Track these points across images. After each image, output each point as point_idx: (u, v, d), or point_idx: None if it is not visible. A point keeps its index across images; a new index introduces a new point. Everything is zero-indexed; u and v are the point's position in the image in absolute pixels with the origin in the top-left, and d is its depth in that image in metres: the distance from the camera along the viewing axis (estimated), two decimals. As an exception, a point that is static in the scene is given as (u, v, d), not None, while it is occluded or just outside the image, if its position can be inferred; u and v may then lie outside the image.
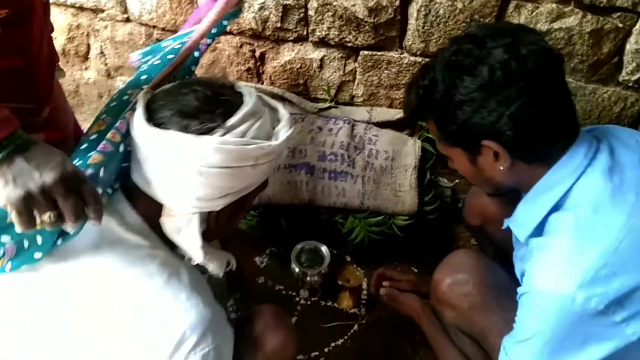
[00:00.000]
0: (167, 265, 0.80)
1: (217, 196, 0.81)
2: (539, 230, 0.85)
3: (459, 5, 1.42)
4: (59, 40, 1.81)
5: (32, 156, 0.70)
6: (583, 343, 0.77)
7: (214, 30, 1.01)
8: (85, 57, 1.89)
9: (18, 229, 0.70)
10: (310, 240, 1.46)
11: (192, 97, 0.80)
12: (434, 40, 1.49)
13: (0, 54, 0.86)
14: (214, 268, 0.86)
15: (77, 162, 0.80)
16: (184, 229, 0.82)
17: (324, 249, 1.44)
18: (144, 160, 0.81)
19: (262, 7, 1.54)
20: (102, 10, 1.73)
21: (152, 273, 0.78)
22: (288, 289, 1.48)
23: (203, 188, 0.79)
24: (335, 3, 1.49)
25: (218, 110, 0.79)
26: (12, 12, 0.85)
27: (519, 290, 0.85)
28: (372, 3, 1.46)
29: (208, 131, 0.77)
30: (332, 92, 1.68)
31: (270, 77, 1.71)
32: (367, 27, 1.52)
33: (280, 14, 1.55)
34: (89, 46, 1.86)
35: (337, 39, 1.57)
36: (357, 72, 1.64)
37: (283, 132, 0.85)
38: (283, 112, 0.90)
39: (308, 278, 1.41)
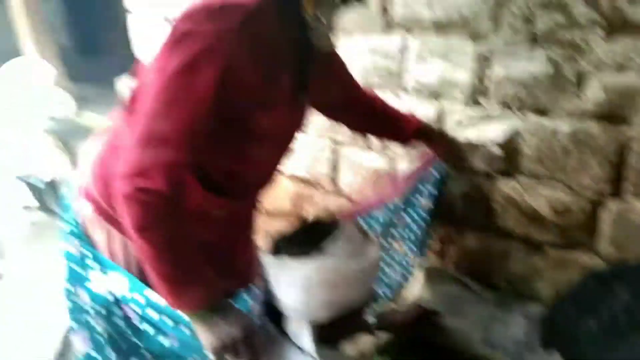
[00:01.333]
0: None
1: (320, 308, 1.01)
2: None
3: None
4: (286, 204, 2.21)
5: (226, 316, 1.02)
6: None
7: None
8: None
9: None
10: None
11: (298, 230, 1.09)
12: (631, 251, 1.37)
13: (210, 237, 1.16)
14: None
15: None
16: (299, 334, 1.05)
17: None
18: (271, 282, 1.07)
19: (449, 196, 1.66)
20: (320, 185, 2.08)
21: None
22: None
23: (308, 300, 1.01)
24: (519, 200, 1.52)
25: (315, 237, 1.02)
26: (227, 213, 1.18)
27: None
28: (558, 205, 1.45)
29: (307, 254, 1.00)
30: (516, 284, 1.63)
31: (454, 260, 1.76)
32: (553, 227, 1.49)
33: (466, 204, 1.64)
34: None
35: (521, 234, 1.57)
36: (543, 270, 1.58)
37: (371, 254, 1.05)
38: (373, 237, 1.10)
39: None
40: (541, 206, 1.49)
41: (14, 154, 3.25)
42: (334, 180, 2.02)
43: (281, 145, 1.22)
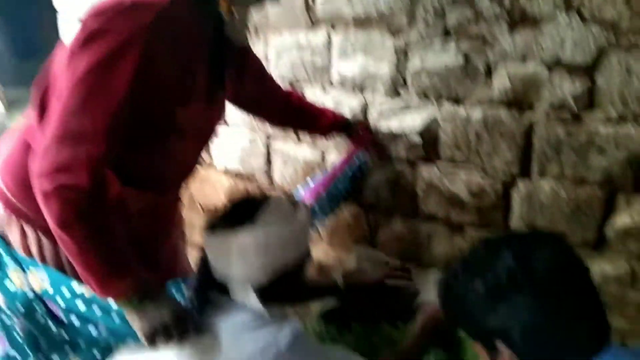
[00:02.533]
0: None
1: (260, 272, 1.10)
2: None
3: (563, 194, 1.42)
4: (221, 198, 2.23)
5: (156, 301, 1.05)
6: None
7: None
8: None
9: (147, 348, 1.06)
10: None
11: (231, 206, 1.16)
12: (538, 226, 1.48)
13: (130, 230, 1.16)
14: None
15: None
16: (246, 299, 1.11)
17: None
18: (211, 259, 1.15)
19: (375, 185, 1.73)
20: (254, 178, 2.11)
21: None
22: None
23: (247, 268, 1.09)
24: (440, 185, 1.61)
25: (247, 211, 1.10)
26: (146, 207, 1.22)
27: None
28: (475, 188, 1.54)
29: (241, 227, 1.08)
30: (440, 265, 1.73)
31: (383, 244, 1.84)
32: (471, 209, 1.59)
33: (391, 191, 1.72)
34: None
35: (443, 217, 1.66)
36: (465, 249, 1.68)
37: (300, 217, 1.15)
38: (301, 203, 1.21)
39: None
40: (460, 189, 1.58)
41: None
42: (268, 174, 2.05)
43: (200, 140, 1.25)
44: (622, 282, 1.40)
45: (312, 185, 1.66)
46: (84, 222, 0.98)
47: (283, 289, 1.17)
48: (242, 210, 1.15)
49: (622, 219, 1.38)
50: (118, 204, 1.15)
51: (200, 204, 2.33)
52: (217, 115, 1.29)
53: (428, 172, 1.63)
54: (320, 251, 1.91)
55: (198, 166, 1.39)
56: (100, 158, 0.99)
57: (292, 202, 1.22)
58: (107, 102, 0.98)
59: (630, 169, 1.32)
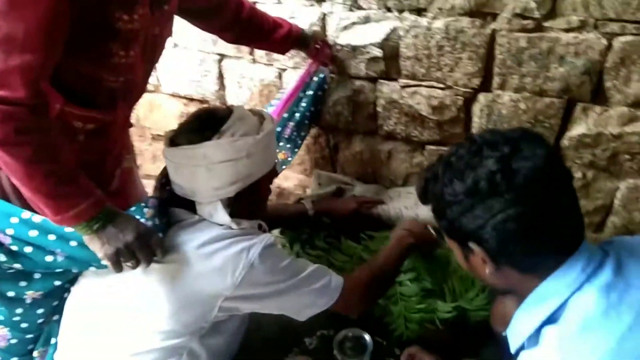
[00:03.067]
0: None
1: (227, 184, 1.08)
2: (534, 341, 0.80)
3: (522, 106, 1.43)
4: (172, 124, 2.12)
5: (116, 223, 1.00)
6: None
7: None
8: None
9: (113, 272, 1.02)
10: (355, 328, 1.47)
11: (194, 119, 1.13)
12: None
13: (81, 153, 1.12)
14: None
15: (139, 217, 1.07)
16: (214, 213, 1.09)
17: (368, 338, 1.44)
18: (173, 174, 1.12)
19: (335, 103, 1.68)
20: (207, 102, 2.01)
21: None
22: (331, 375, 1.49)
23: (215, 180, 1.07)
24: (400, 101, 1.58)
25: (212, 123, 1.07)
26: (95, 127, 1.13)
27: None
28: (436, 102, 1.52)
29: (207, 139, 1.05)
30: (399, 182, 1.73)
31: (343, 165, 1.82)
32: (431, 124, 1.57)
33: (351, 110, 1.68)
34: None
35: (403, 134, 1.64)
36: (424, 166, 1.68)
37: (266, 128, 1.11)
38: (266, 114, 1.18)
39: (348, 366, 1.41)
40: (420, 105, 1.56)
41: None
42: (221, 96, 1.96)
43: (146, 52, 1.16)
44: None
45: (271, 110, 1.58)
46: (25, 137, 0.91)
47: (251, 202, 1.15)
48: (204, 123, 1.10)
49: (578, 129, 1.40)
50: (64, 124, 1.09)
51: (148, 131, 2.22)
52: (163, 26, 1.20)
53: (389, 88, 1.59)
54: (281, 176, 1.87)
55: (146, 86, 1.31)
56: (37, 67, 0.91)
57: (257, 113, 1.17)
58: (39, 5, 0.88)
59: (589, 77, 1.33)
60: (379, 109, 1.64)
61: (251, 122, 1.12)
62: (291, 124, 1.59)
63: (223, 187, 1.08)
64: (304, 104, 1.61)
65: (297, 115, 1.61)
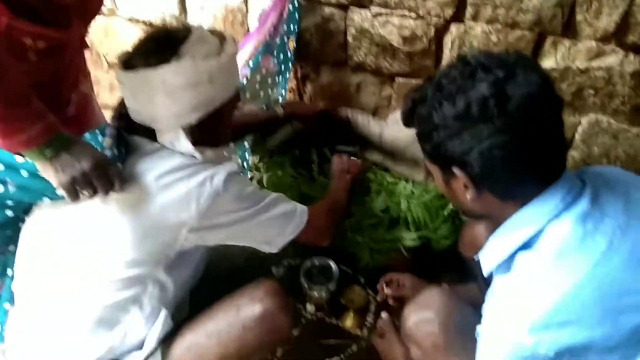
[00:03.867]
0: None
1: (189, 110, 1.02)
2: (507, 267, 0.83)
3: (494, 38, 1.41)
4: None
5: (72, 150, 0.94)
6: None
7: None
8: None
9: (69, 202, 0.97)
10: (323, 257, 1.50)
11: (150, 39, 1.04)
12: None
13: (33, 74, 1.04)
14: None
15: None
16: (175, 141, 1.04)
17: (334, 266, 1.47)
18: (129, 100, 1.04)
19: (303, 31, 1.62)
20: (168, 27, 1.90)
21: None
22: (296, 302, 1.52)
23: (175, 106, 1.01)
24: (372, 31, 1.53)
25: (170, 44, 1.00)
26: (48, 46, 1.04)
27: (477, 328, 0.83)
28: (407, 33, 1.49)
29: (165, 61, 0.97)
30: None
31: (311, 97, 1.78)
32: (402, 56, 1.55)
33: (320, 39, 1.62)
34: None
35: (373, 66, 1.61)
36: (393, 98, 1.67)
37: (228, 50, 1.05)
38: (227, 34, 1.09)
39: (315, 293, 1.44)
40: (392, 35, 1.52)
41: None
42: (182, 22, 1.85)
43: None
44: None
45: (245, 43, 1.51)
46: None
47: (214, 130, 1.10)
48: (161, 44, 1.02)
49: (547, 63, 1.41)
50: (13, 40, 0.99)
51: (104, 58, 2.10)
52: None
53: (360, 17, 1.54)
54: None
55: (102, 3, 1.22)
56: None
57: (217, 34, 1.10)
58: None
59: (561, 9, 1.32)
60: (349, 38, 1.59)
61: (212, 43, 1.04)
62: (275, 61, 1.53)
63: (184, 114, 1.02)
64: (284, 37, 1.55)
65: (283, 56, 1.57)
